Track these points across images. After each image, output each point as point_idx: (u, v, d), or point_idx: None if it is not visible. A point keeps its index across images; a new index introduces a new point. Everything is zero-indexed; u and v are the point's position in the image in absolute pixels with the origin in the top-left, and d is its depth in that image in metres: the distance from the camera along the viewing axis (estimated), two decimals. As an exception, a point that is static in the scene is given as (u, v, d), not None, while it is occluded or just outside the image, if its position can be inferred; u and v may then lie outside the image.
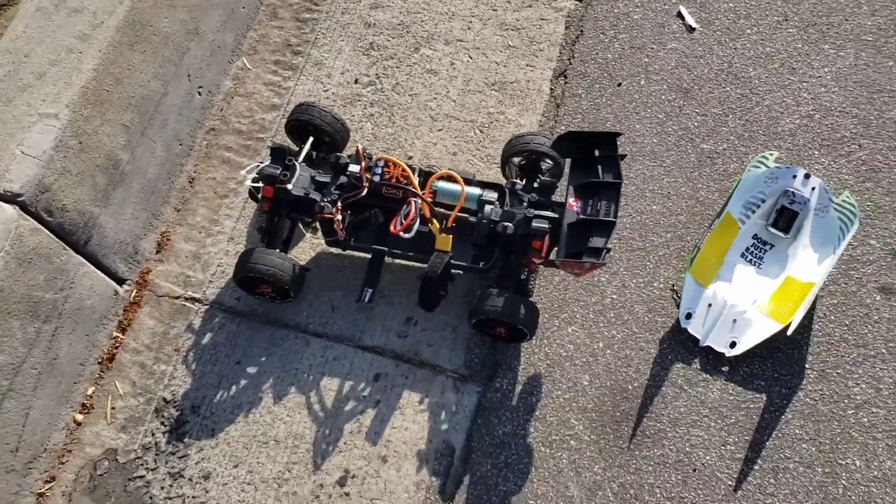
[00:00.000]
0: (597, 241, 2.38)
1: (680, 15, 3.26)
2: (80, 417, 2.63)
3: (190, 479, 2.53)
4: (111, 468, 2.55)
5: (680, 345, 2.67)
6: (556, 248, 2.46)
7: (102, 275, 2.72)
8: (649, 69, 3.15)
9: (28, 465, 2.50)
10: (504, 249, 2.59)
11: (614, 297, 2.76)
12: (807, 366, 2.63)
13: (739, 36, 3.20)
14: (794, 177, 2.71)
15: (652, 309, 2.74)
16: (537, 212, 2.52)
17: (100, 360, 2.70)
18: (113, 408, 2.64)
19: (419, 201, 2.55)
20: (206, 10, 3.09)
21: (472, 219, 2.59)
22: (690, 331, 2.64)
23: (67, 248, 2.57)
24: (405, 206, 2.56)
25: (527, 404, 2.60)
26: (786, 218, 2.73)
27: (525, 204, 2.56)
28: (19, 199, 2.41)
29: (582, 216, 2.45)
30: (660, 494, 2.47)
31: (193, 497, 2.50)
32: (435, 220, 2.57)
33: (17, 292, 2.39)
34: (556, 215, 2.51)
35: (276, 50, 3.25)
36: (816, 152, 2.96)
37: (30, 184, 2.44)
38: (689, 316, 2.66)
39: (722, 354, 2.61)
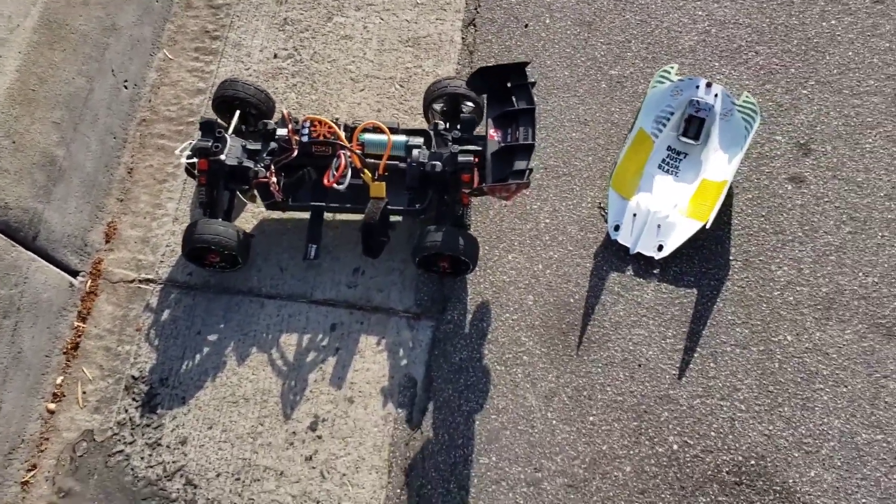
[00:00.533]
0: (519, 164, 2.53)
1: (575, -46, 3.43)
2: (52, 406, 2.70)
3: (168, 447, 2.63)
4: (90, 448, 2.64)
5: (613, 255, 2.84)
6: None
7: (55, 268, 2.80)
8: (552, 7, 3.32)
9: (8, 457, 2.57)
10: (437, 188, 2.74)
11: (547, 221, 2.92)
12: (731, 257, 2.81)
13: (633, -34, 3.38)
14: (697, 87, 2.89)
15: (583, 227, 2.90)
16: (462, 147, 2.67)
17: (64, 350, 2.78)
18: (84, 392, 2.72)
19: (348, 153, 2.68)
20: (121, 6, 3.17)
21: (403, 164, 2.73)
22: (620, 241, 2.81)
23: (16, 244, 2.65)
24: (335, 160, 2.68)
25: (479, 330, 2.74)
26: (694, 126, 2.91)
27: (450, 142, 2.71)
28: (-39, 201, 2.49)
29: (503, 144, 2.60)
30: (611, 391, 2.63)
31: (174, 462, 2.60)
32: (367, 170, 2.69)
33: (-27, 290, 2.47)
34: (480, 147, 2.66)
35: (195, 38, 3.35)
36: (717, 63, 3.15)
37: (-30, 185, 2.51)
38: (617, 228, 2.83)
39: (652, 258, 2.78)
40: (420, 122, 3.06)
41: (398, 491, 2.54)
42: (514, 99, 2.65)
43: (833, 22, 3.20)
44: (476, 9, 3.34)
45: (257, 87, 2.90)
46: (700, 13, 3.25)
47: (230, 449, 2.61)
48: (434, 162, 2.64)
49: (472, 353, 2.70)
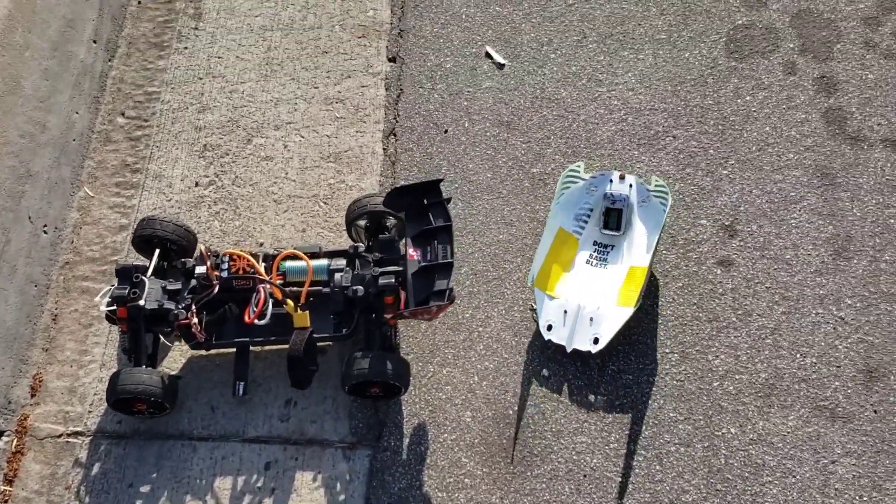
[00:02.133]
0: (440, 284, 2.50)
1: (488, 55, 3.45)
2: (-20, 581, 2.59)
3: None
4: None
5: (548, 359, 2.79)
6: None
7: (-24, 433, 2.71)
8: (470, 111, 3.33)
9: None
10: (362, 311, 2.69)
11: (480, 329, 2.88)
12: (667, 350, 2.77)
13: (546, 62, 3.41)
14: (611, 180, 2.89)
15: (517, 332, 2.86)
16: (382, 269, 2.64)
17: (-9, 519, 2.67)
18: (12, 563, 2.61)
19: (268, 286, 2.63)
20: (35, 151, 3.15)
21: (326, 289, 2.69)
22: (555, 340, 2.75)
23: (-69, 415, 2.57)
24: (255, 295, 2.64)
25: (417, 455, 2.67)
26: (614, 217, 2.90)
27: (371, 264, 2.68)
28: None
29: (423, 263, 2.57)
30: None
31: None
32: (289, 300, 2.65)
33: None
34: (401, 268, 2.63)
35: (116, 172, 3.32)
36: (636, 152, 3.16)
37: None
38: (549, 328, 2.77)
39: (589, 354, 2.72)
40: (346, 240, 3.02)
41: None
42: (430, 216, 2.64)
43: (748, 98, 3.23)
44: (395, 118, 3.35)
45: (176, 224, 2.86)
46: (616, 102, 3.28)
47: None
48: (356, 287, 2.61)
49: (412, 481, 2.62)
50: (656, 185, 2.85)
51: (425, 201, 2.65)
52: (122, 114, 3.47)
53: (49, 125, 3.23)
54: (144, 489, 2.68)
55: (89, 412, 2.84)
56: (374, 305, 2.65)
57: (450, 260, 2.52)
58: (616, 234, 2.88)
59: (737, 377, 2.70)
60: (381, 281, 2.59)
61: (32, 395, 2.89)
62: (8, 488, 2.73)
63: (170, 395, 2.66)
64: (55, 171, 3.21)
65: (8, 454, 2.78)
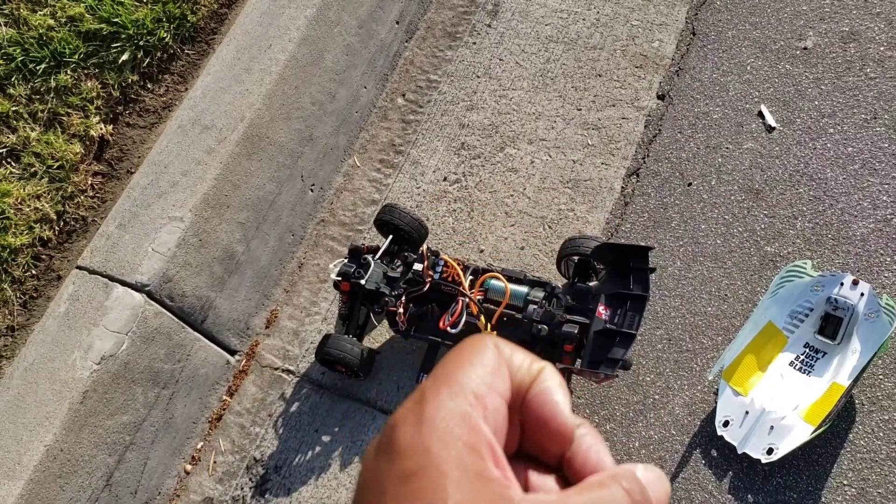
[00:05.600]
0: (615, 352, 2.55)
1: (761, 114, 3.28)
2: (189, 468, 3.17)
3: (266, 530, 2.98)
4: (207, 513, 3.07)
5: (715, 450, 2.73)
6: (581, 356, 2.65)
7: (216, 347, 3.27)
8: (722, 169, 3.22)
9: (145, 504, 3.07)
10: (543, 347, 2.82)
11: (656, 397, 2.87)
12: (845, 482, 2.59)
13: (820, 136, 3.17)
14: (842, 284, 2.68)
15: (692, 412, 2.82)
16: (569, 316, 2.73)
17: (209, 420, 3.24)
18: (215, 462, 3.16)
19: (466, 300, 2.85)
20: (321, 119, 3.59)
21: (518, 315, 2.84)
22: (727, 438, 2.68)
23: (186, 326, 3.14)
24: (453, 304, 2.87)
25: (558, 494, 2.78)
26: (832, 325, 2.70)
27: (563, 307, 2.78)
28: (146, 289, 3.01)
29: (608, 325, 2.62)
30: None
31: (266, 546, 2.95)
32: (482, 317, 2.85)
33: (141, 364, 2.98)
34: (587, 321, 2.70)
35: (382, 149, 3.69)
36: (888, 259, 2.88)
37: (156, 276, 3.03)
38: (726, 424, 2.71)
39: (758, 461, 2.63)
40: (555, 271, 3.13)
41: None
42: (631, 280, 2.66)
43: None
44: (643, 159, 3.34)
45: (412, 217, 3.15)
46: (885, 199, 2.99)
47: (314, 548, 2.90)
48: (542, 325, 2.73)
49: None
50: (886, 303, 2.61)
51: (631, 264, 2.67)
52: (403, 95, 3.81)
53: (338, 96, 3.65)
54: (325, 438, 3.09)
55: (303, 357, 3.29)
56: (554, 346, 2.76)
57: (633, 332, 2.55)
58: (830, 342, 2.70)
59: (916, 539, 2.47)
60: (565, 328, 2.69)
61: (266, 327, 3.40)
62: (228, 398, 3.28)
63: (365, 366, 3.01)
64: (333, 138, 3.64)
65: (235, 371, 3.32)
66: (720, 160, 3.25)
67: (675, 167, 3.28)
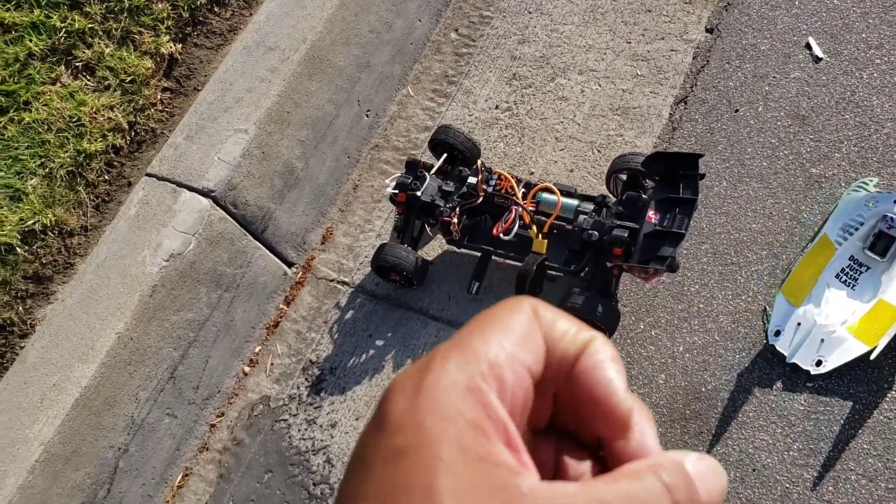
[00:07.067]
0: (665, 250, 2.66)
1: (808, 46, 3.37)
2: (247, 370, 3.32)
3: (321, 426, 3.11)
4: (264, 411, 3.21)
5: (760, 357, 2.83)
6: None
7: (275, 258, 3.41)
8: (768, 97, 3.31)
9: (205, 401, 3.22)
10: (593, 255, 2.93)
11: (701, 306, 2.97)
12: (886, 385, 2.67)
13: (867, 66, 3.25)
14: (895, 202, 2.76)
15: (736, 321, 2.91)
16: (620, 222, 2.84)
17: (266, 326, 3.38)
18: (272, 364, 3.30)
19: (520, 209, 2.96)
20: (378, 47, 3.72)
21: (568, 227, 2.96)
22: (778, 348, 2.77)
23: (247, 234, 3.29)
24: (507, 213, 2.98)
25: (604, 394, 2.89)
26: (883, 242, 2.78)
27: (613, 215, 2.89)
28: (212, 195, 3.16)
29: (658, 227, 2.73)
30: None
31: (321, 440, 3.08)
32: (534, 227, 2.96)
33: (206, 266, 3.13)
34: (637, 226, 2.80)
35: (435, 80, 3.81)
36: (932, 180, 2.96)
37: (221, 183, 3.18)
38: (777, 333, 2.79)
39: (803, 371, 2.72)
40: (604, 188, 3.24)
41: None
42: (680, 186, 2.76)
43: None
44: (692, 88, 3.43)
45: (466, 137, 3.27)
46: (930, 124, 3.07)
47: (367, 441, 3.03)
48: (592, 231, 2.84)
49: (591, 415, 2.86)
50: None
51: (681, 172, 2.78)
52: (456, 30, 3.93)
53: (394, 27, 3.78)
54: (379, 343, 3.22)
55: (357, 269, 3.43)
56: (604, 252, 2.87)
57: (682, 231, 2.65)
58: (879, 260, 2.78)
59: (953, 437, 2.55)
60: (615, 232, 2.79)
61: (322, 243, 3.54)
62: (284, 307, 3.42)
63: (419, 274, 3.13)
64: (388, 66, 3.77)
65: (292, 282, 3.47)
66: (767, 88, 3.33)
67: (723, 95, 3.38)
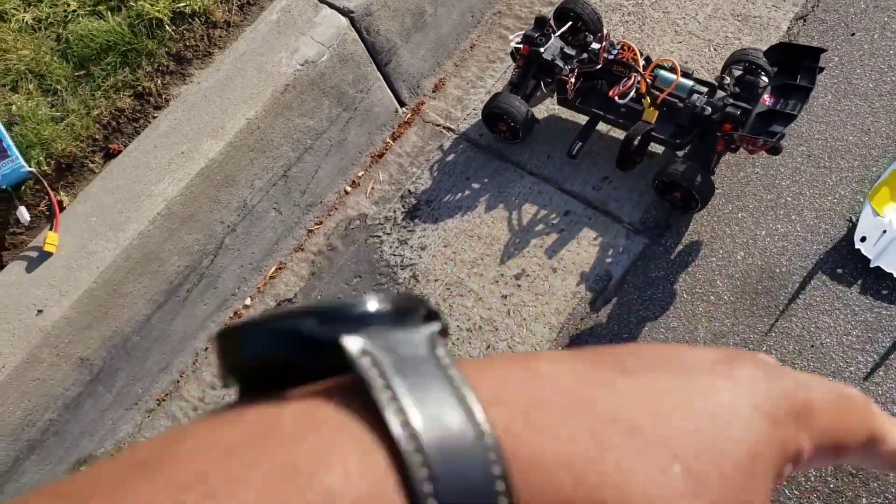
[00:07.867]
0: (775, 128, 2.83)
1: (934, -14, 3.49)
2: (349, 189, 3.54)
3: (411, 247, 3.33)
4: (360, 226, 3.44)
5: (835, 251, 3.01)
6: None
7: (391, 94, 3.61)
8: (886, 27, 3.44)
9: (308, 207, 3.45)
10: (701, 132, 3.10)
11: (789, 199, 3.15)
12: (952, 294, 2.85)
13: None
14: None
15: (819, 217, 3.09)
16: (734, 101, 3.00)
17: (372, 155, 3.59)
18: (373, 188, 3.52)
19: (639, 77, 3.13)
20: (518, -80, 3.87)
21: (681, 104, 3.12)
22: (863, 252, 2.94)
23: (373, 63, 3.48)
24: (626, 79, 3.16)
25: (682, 260, 3.09)
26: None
27: (727, 96, 3.05)
28: (351, 15, 3.35)
29: (770, 108, 2.90)
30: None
31: (410, 258, 3.31)
32: (648, 98, 3.13)
33: (333, 80, 3.34)
34: (750, 106, 2.97)
35: (565, -37, 3.96)
36: None
37: (361, 6, 3.36)
38: (863, 239, 2.96)
39: (890, 275, 2.88)
40: (715, 83, 3.39)
41: (559, 348, 3.01)
42: (798, 76, 2.92)
43: None
44: (814, 7, 3.57)
45: (594, 9, 3.44)
46: None
47: (452, 266, 3.25)
48: (705, 106, 3.01)
49: (669, 275, 3.06)
50: None
51: (801, 64, 2.93)
52: (592, -79, 4.06)
53: None
54: (475, 185, 3.43)
55: (464, 119, 3.62)
56: (713, 128, 3.04)
57: (795, 113, 2.82)
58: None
59: None
60: (728, 109, 2.96)
61: (433, 91, 3.73)
62: (391, 142, 3.63)
63: (526, 127, 3.32)
64: (524, -59, 3.92)
65: (401, 120, 3.67)
66: (886, 19, 3.46)
67: (842, 18, 3.51)
